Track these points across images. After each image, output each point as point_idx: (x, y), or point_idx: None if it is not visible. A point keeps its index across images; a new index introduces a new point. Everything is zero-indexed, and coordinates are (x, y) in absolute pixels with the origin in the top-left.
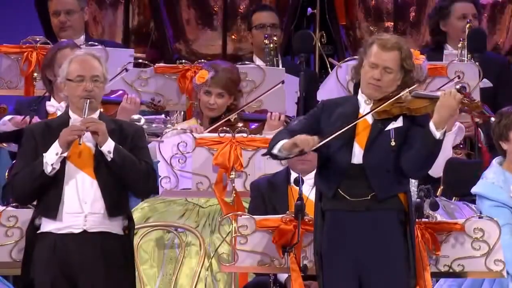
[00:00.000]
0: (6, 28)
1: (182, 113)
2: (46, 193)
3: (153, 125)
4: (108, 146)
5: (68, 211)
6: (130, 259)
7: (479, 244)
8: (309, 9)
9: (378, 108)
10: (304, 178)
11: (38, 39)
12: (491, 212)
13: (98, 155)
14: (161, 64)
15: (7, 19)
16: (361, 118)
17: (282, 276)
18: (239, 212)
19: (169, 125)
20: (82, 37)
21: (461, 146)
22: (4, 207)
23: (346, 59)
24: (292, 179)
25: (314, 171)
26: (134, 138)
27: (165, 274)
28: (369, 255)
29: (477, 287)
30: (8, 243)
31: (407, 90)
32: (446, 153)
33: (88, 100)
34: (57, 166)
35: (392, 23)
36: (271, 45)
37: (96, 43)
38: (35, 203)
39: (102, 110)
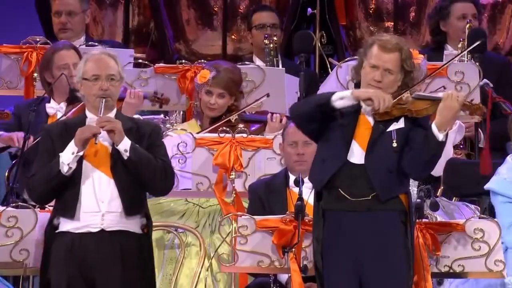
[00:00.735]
0: (6, 28)
1: (182, 113)
2: (63, 193)
3: None
4: (124, 145)
5: (85, 210)
6: (148, 258)
7: (479, 245)
8: (309, 9)
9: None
10: (304, 179)
11: (38, 39)
12: (502, 208)
13: (115, 154)
14: (161, 64)
15: (7, 19)
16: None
17: (283, 277)
18: (239, 213)
19: (168, 125)
20: (82, 38)
21: (461, 146)
22: (4, 207)
23: (346, 59)
24: (290, 182)
25: None
26: (151, 136)
27: (165, 274)
28: (370, 256)
29: None
30: (8, 243)
31: (408, 91)
32: (446, 152)
33: (104, 99)
34: (74, 166)
35: (392, 23)
36: (271, 45)
37: (96, 43)
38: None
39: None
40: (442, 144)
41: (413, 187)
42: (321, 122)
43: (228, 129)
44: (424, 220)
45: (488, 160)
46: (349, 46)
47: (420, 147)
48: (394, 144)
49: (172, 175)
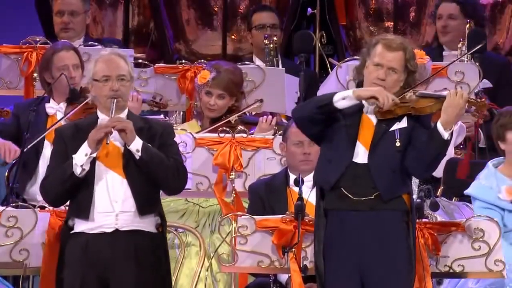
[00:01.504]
0: (6, 28)
1: (182, 113)
2: (77, 194)
3: None
4: (136, 145)
5: (99, 211)
6: (164, 257)
7: (479, 244)
8: (309, 9)
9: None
10: (304, 179)
11: (38, 39)
12: (480, 213)
13: (127, 154)
14: (161, 64)
15: (7, 19)
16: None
17: (283, 277)
18: (239, 213)
19: None
20: (82, 39)
21: (461, 146)
22: (4, 207)
23: (346, 59)
24: (291, 181)
25: (312, 173)
26: (163, 136)
27: None
28: (372, 256)
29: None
30: (8, 243)
31: (411, 89)
32: (448, 153)
33: (115, 100)
34: (87, 167)
35: (392, 23)
36: (271, 45)
37: (96, 43)
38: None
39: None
40: (447, 142)
41: (414, 186)
42: (324, 124)
43: (228, 129)
44: (424, 220)
45: (466, 165)
46: (349, 46)
47: (424, 146)
48: (398, 144)
49: (185, 173)
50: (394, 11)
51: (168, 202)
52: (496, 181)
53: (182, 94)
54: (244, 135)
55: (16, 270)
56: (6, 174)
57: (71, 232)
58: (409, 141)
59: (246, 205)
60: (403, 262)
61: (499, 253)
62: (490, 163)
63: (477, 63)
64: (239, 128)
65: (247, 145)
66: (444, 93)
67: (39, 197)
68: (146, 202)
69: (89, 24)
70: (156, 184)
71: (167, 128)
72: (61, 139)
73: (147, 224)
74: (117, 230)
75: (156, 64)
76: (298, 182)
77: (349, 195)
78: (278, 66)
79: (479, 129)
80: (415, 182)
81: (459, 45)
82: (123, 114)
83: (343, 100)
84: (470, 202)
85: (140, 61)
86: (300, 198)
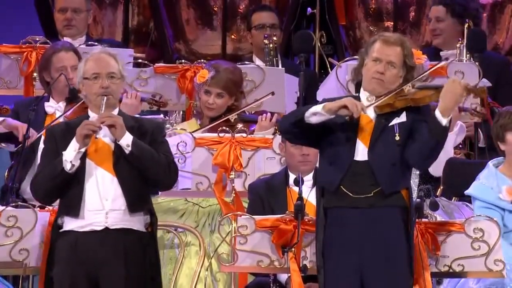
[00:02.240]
0: (6, 28)
1: (181, 113)
2: (67, 192)
3: None
4: (126, 140)
5: (89, 209)
6: (153, 256)
7: (479, 244)
8: (309, 9)
9: (381, 101)
10: (303, 178)
11: (38, 39)
12: (480, 213)
13: (117, 151)
14: (161, 64)
15: (7, 19)
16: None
17: (282, 277)
18: (238, 212)
19: (167, 125)
20: (83, 38)
21: (461, 146)
22: (4, 207)
23: (346, 59)
24: (290, 181)
25: (312, 173)
26: (154, 133)
27: (165, 274)
28: (371, 252)
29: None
30: (8, 243)
31: (410, 83)
32: (446, 153)
33: (105, 97)
34: (76, 163)
35: (392, 23)
36: (271, 45)
37: (96, 43)
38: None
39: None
40: (446, 129)
41: (413, 185)
42: (310, 133)
43: (227, 128)
44: (424, 219)
45: None
46: (348, 46)
47: (423, 137)
48: (397, 138)
49: (176, 170)
50: (394, 11)
51: (168, 201)
52: (497, 181)
53: (182, 94)
54: (244, 134)
55: (16, 270)
56: (6, 174)
57: (60, 230)
58: (408, 135)
59: (245, 204)
60: (402, 259)
61: (499, 253)
62: (490, 163)
63: (476, 63)
64: (238, 126)
65: (247, 145)
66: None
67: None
68: (136, 200)
69: (89, 24)
70: (147, 180)
71: (157, 126)
72: (52, 138)
73: (137, 223)
74: (106, 228)
75: (156, 64)
76: (298, 182)
77: (349, 193)
78: (278, 66)
79: (479, 129)
80: (415, 182)
81: (458, 45)
82: (114, 112)
83: (315, 115)
84: (470, 202)
85: (139, 60)
86: (300, 197)
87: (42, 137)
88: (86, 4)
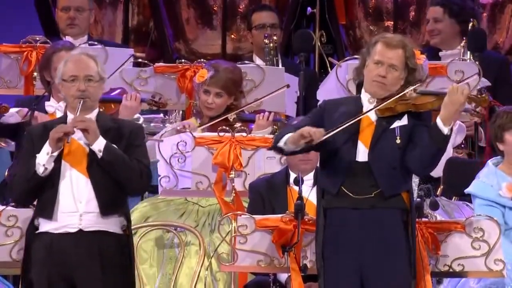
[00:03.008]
0: (6, 28)
1: (181, 112)
2: (42, 193)
3: (152, 124)
4: (99, 145)
5: (63, 211)
6: (128, 258)
7: (479, 244)
8: (309, 9)
9: (383, 105)
10: (303, 178)
11: (38, 39)
12: (481, 211)
13: (92, 154)
14: (161, 64)
15: (7, 19)
16: (367, 112)
17: (282, 276)
18: (238, 212)
19: (167, 124)
20: (85, 37)
21: (462, 145)
22: (4, 207)
23: (346, 59)
24: (291, 180)
25: (313, 172)
26: (130, 137)
27: (165, 273)
28: (372, 253)
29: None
30: (8, 243)
31: (412, 88)
32: (446, 153)
33: (82, 100)
34: (49, 166)
35: (392, 23)
36: (271, 45)
37: (96, 43)
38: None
39: (102, 109)
40: (447, 138)
41: (414, 185)
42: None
43: (227, 128)
44: (424, 219)
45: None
46: (348, 45)
47: (424, 143)
48: (398, 141)
49: (148, 175)
50: (394, 10)
51: (167, 201)
52: (497, 178)
53: (182, 94)
54: (244, 134)
55: (16, 269)
56: (6, 173)
57: (36, 232)
58: (409, 139)
59: (245, 204)
60: (402, 261)
61: (499, 253)
62: (490, 162)
63: (476, 62)
64: (237, 125)
65: (247, 144)
66: (445, 90)
67: None
68: (109, 203)
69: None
70: (119, 184)
71: (135, 129)
72: (29, 139)
73: (112, 225)
74: (81, 231)
75: (156, 64)
76: (298, 182)
77: (350, 194)
78: (278, 66)
79: (480, 128)
80: (415, 181)
81: (462, 44)
82: (93, 114)
83: (285, 145)
84: (470, 202)
85: (139, 60)
86: (300, 197)
87: None
88: (89, 3)
